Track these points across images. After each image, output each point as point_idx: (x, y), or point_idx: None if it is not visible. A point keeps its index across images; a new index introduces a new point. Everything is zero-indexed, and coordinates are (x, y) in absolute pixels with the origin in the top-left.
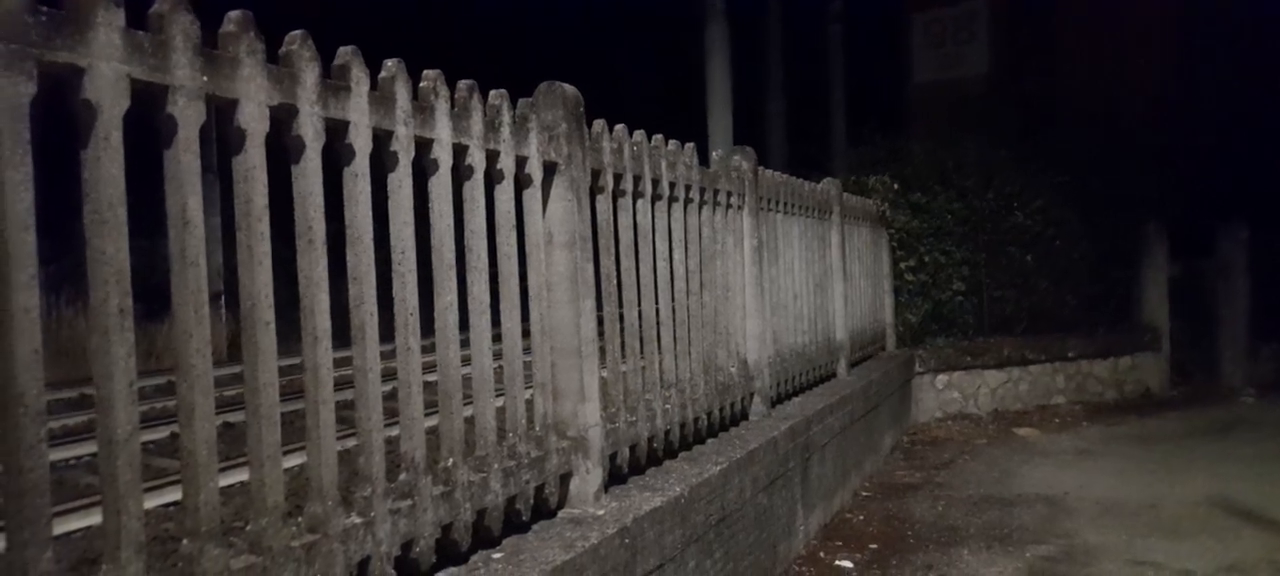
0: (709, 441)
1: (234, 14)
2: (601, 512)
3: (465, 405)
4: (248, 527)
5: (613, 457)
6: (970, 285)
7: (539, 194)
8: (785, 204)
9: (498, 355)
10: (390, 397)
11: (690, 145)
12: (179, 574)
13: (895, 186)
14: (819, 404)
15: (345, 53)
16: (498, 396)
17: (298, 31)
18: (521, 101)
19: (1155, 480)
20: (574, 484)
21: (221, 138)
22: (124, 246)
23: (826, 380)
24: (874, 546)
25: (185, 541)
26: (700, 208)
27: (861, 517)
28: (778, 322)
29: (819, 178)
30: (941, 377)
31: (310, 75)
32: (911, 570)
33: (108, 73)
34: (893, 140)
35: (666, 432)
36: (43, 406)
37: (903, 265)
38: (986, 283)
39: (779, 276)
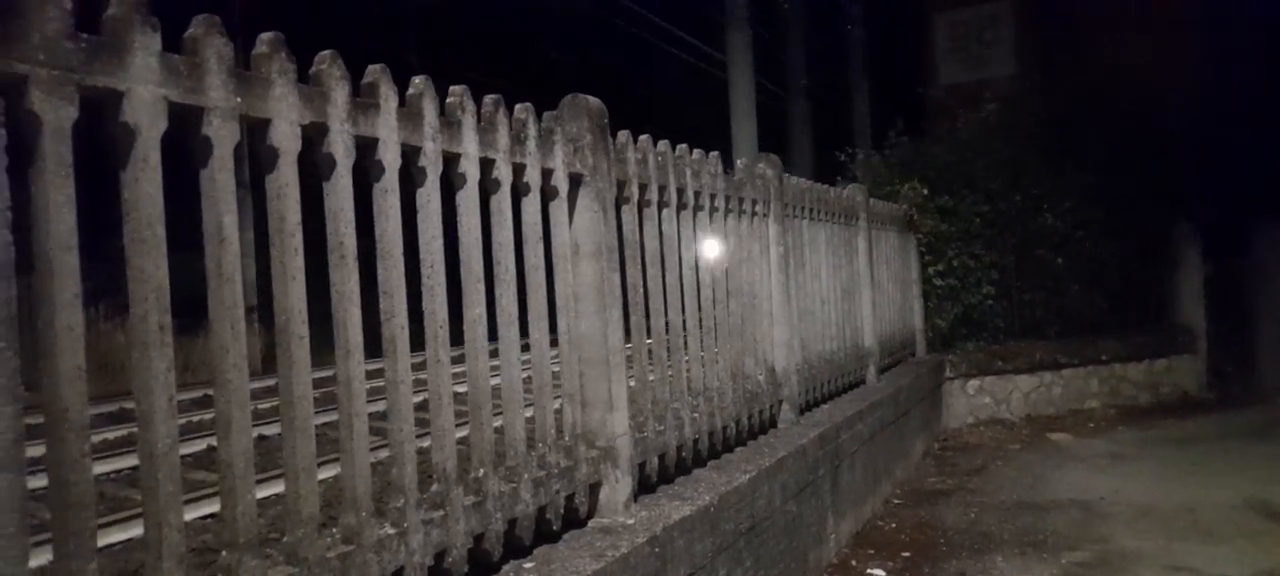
0: (738, 449)
1: (266, 35)
2: (631, 521)
3: (495, 416)
4: (284, 538)
5: (641, 466)
6: (1000, 288)
7: (565, 205)
8: (811, 210)
9: (526, 366)
10: (421, 409)
11: (714, 154)
12: None
13: (925, 191)
14: (848, 411)
15: (374, 71)
16: (527, 407)
17: (327, 51)
18: (546, 114)
19: (1192, 484)
20: (604, 493)
21: (253, 155)
22: (163, 264)
23: (856, 387)
24: (906, 554)
25: (224, 552)
26: (725, 216)
27: (893, 525)
28: (805, 330)
29: (844, 183)
30: (973, 382)
31: (340, 94)
32: None
33: (145, 96)
34: (918, 144)
35: (695, 441)
36: (87, 421)
37: (931, 269)
38: (1016, 285)
39: (806, 283)
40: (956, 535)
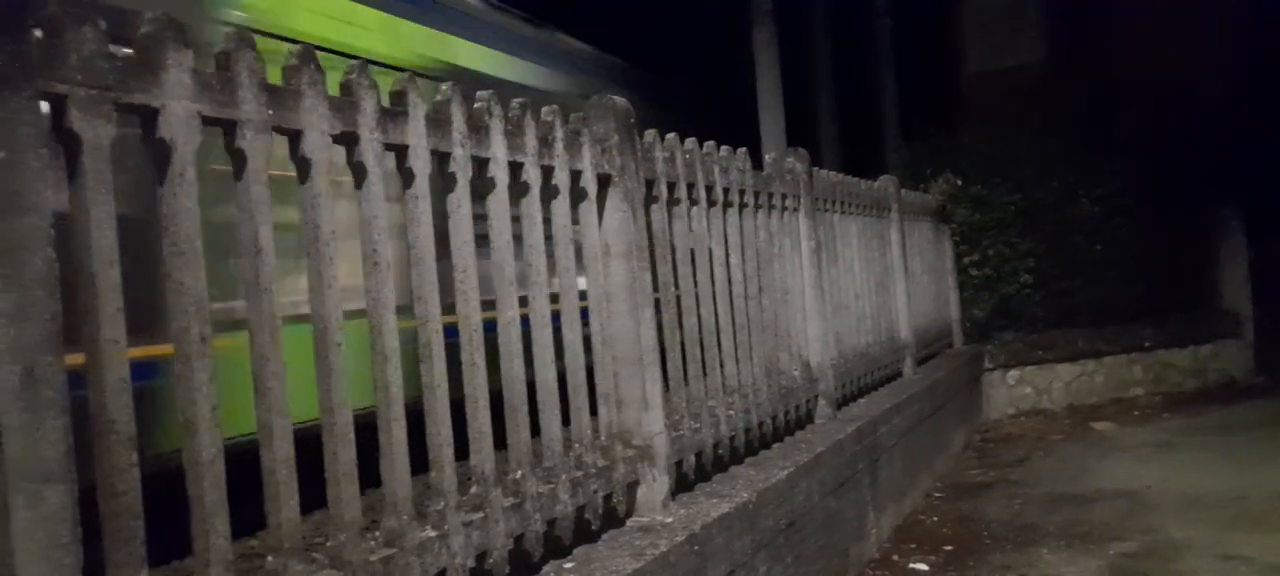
0: (774, 446)
1: (295, 48)
2: (670, 520)
3: (531, 417)
4: (328, 543)
5: (678, 465)
6: (1037, 277)
7: (594, 206)
8: (842, 203)
9: (561, 367)
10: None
11: (742, 150)
12: None
13: (959, 182)
14: (885, 404)
15: (402, 80)
16: (562, 407)
17: (356, 60)
18: (573, 116)
19: (1241, 471)
20: (641, 492)
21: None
22: (202, 276)
23: (892, 380)
24: (949, 548)
25: (269, 557)
26: (755, 211)
27: (934, 519)
28: (840, 324)
29: (875, 175)
30: (1012, 373)
31: (369, 103)
32: (988, 571)
33: (180, 111)
34: (948, 134)
35: (731, 438)
36: (134, 431)
37: (966, 260)
38: (1053, 274)
39: (839, 277)
40: (999, 527)
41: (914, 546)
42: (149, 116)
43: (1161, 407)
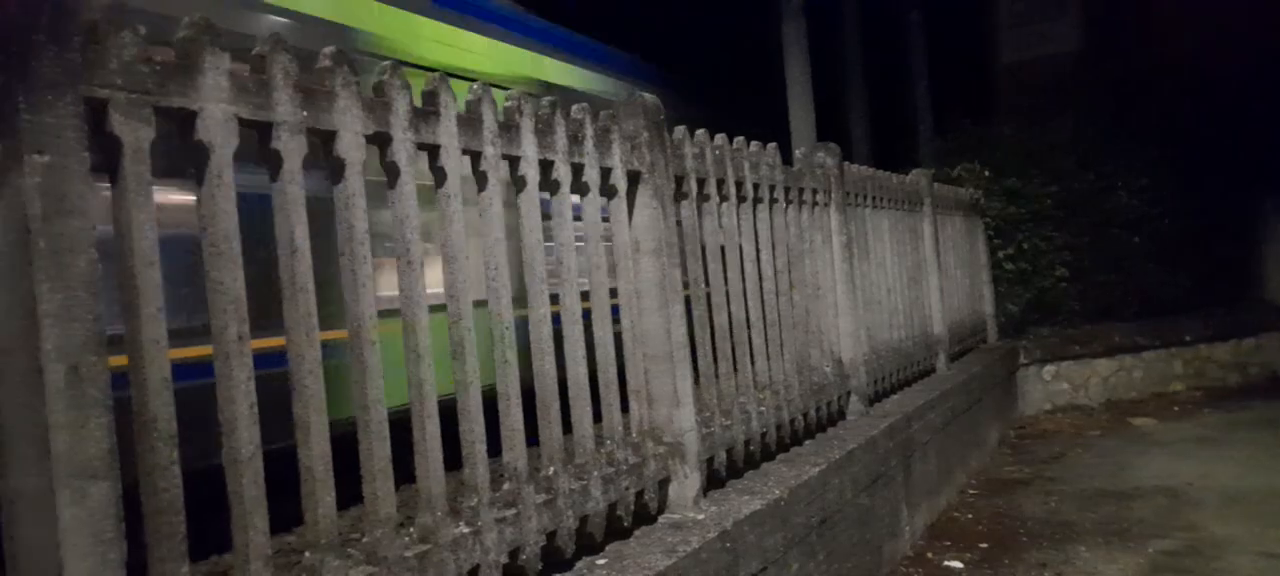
0: (806, 443)
1: (329, 50)
2: (701, 517)
3: (562, 414)
4: (363, 539)
5: (710, 462)
6: (1073, 270)
7: (624, 203)
8: (873, 198)
9: (592, 364)
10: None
11: (772, 145)
12: None
13: (986, 173)
14: (918, 400)
15: (433, 79)
16: (593, 404)
17: (387, 62)
18: (603, 113)
19: None
20: (672, 489)
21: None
22: (240, 276)
23: (925, 375)
24: (984, 545)
25: (307, 553)
26: (786, 207)
27: (969, 516)
28: (872, 319)
29: (907, 169)
30: (1048, 368)
31: (402, 103)
32: (1025, 569)
33: (217, 114)
34: (982, 126)
35: (762, 435)
36: (174, 430)
37: (1000, 253)
38: (1090, 267)
39: (870, 271)
40: (1036, 525)
41: (949, 543)
42: (187, 119)
43: (1202, 402)
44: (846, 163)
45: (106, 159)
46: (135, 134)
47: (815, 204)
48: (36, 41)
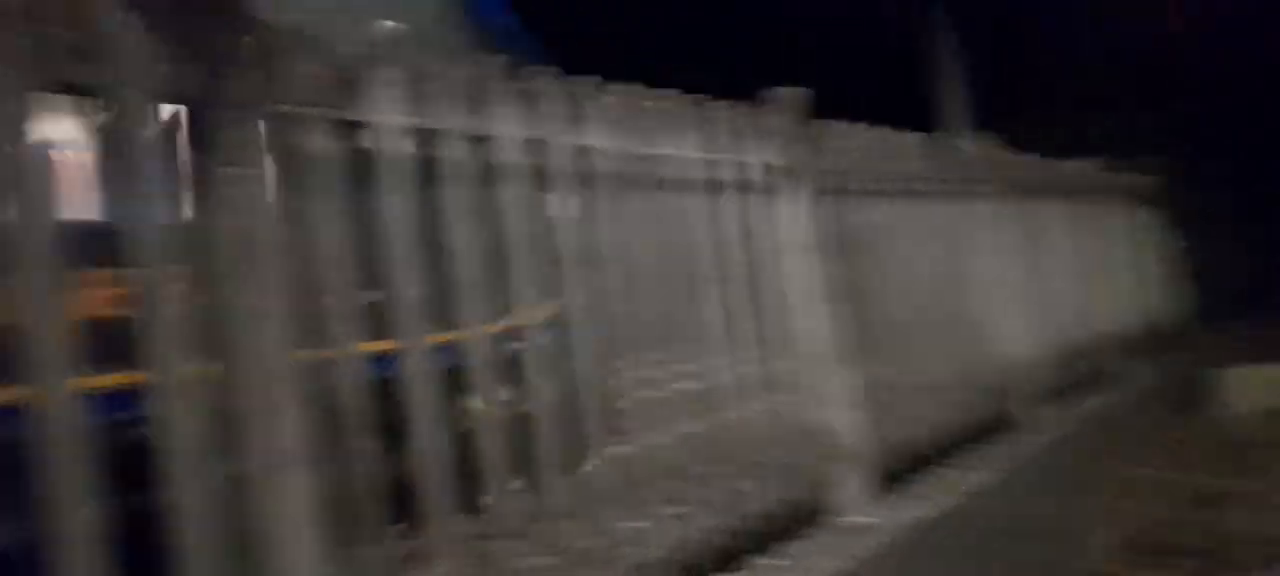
0: (977, 448)
1: (490, 60)
2: (869, 521)
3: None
4: (541, 530)
5: (876, 464)
6: (1266, 264)
7: (774, 200)
8: (1041, 189)
9: (755, 363)
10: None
11: (924, 136)
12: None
13: (1164, 163)
14: (1096, 402)
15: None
16: (757, 404)
17: (544, 68)
18: (747, 109)
19: None
20: (838, 492)
21: None
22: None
23: (1103, 376)
24: (1187, 560)
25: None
26: (944, 200)
27: (1169, 530)
28: (1042, 318)
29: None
30: (1243, 369)
31: (556, 107)
32: None
33: (385, 125)
34: (1159, 111)
35: (930, 438)
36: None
37: (1181, 246)
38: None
39: (1040, 266)
40: (1242, 541)
41: (1146, 559)
42: (356, 130)
43: None
44: (1006, 152)
45: (290, 168)
46: (310, 145)
47: (976, 196)
48: (227, 63)
